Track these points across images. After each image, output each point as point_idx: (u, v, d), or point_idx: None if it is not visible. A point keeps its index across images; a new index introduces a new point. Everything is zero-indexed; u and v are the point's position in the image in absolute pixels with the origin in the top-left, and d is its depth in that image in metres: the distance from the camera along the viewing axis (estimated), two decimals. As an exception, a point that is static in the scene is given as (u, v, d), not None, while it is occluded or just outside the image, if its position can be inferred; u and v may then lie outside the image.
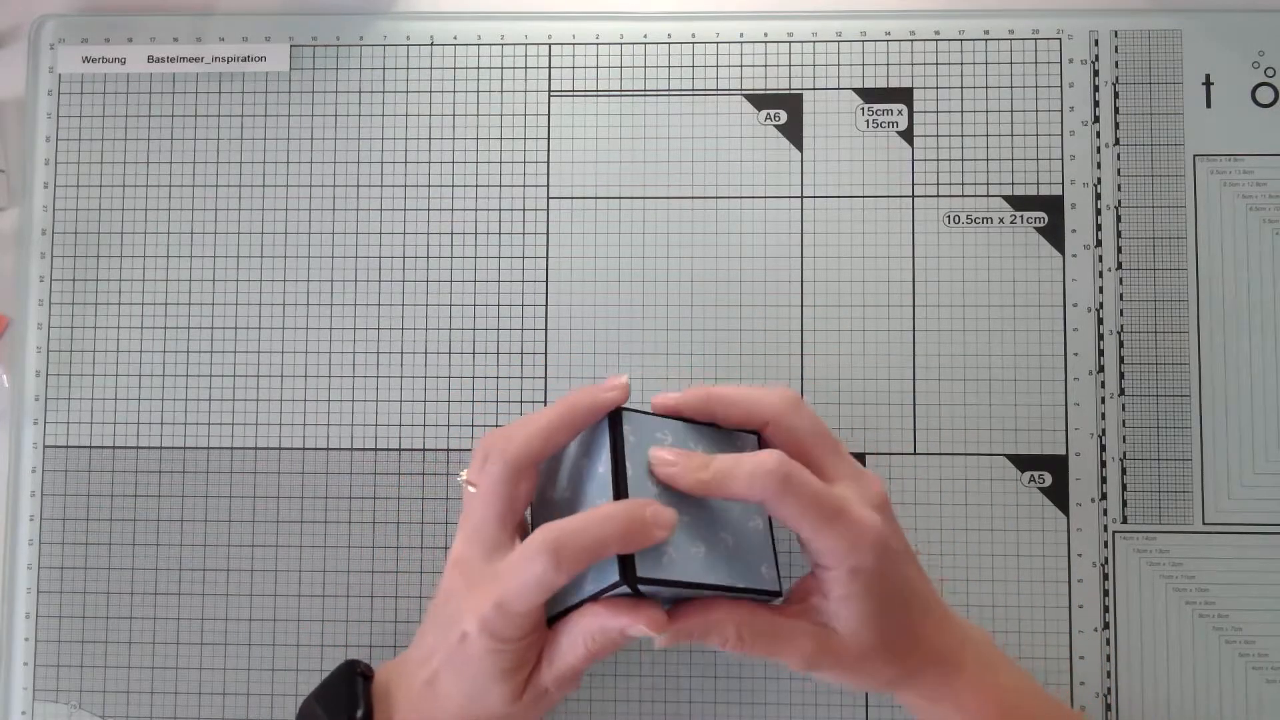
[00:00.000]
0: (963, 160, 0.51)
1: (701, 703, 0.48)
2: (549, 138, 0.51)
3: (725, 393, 0.42)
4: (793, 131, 0.51)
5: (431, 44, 0.52)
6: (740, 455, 0.39)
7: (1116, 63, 0.51)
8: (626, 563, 0.38)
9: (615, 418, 0.40)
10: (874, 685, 0.42)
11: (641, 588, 0.38)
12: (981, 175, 0.50)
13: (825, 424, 0.42)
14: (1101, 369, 0.49)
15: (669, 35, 0.51)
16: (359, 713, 0.41)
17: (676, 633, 0.39)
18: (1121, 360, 0.49)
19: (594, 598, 0.39)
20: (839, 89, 0.51)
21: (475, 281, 0.51)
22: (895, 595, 0.40)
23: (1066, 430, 0.49)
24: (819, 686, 0.48)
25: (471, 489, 0.41)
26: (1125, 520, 0.49)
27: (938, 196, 0.50)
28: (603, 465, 0.40)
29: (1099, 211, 0.50)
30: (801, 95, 0.51)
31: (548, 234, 0.51)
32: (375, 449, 0.50)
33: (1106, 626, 0.48)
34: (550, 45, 0.52)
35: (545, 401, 0.50)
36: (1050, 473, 0.49)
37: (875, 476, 0.42)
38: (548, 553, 0.37)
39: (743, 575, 0.40)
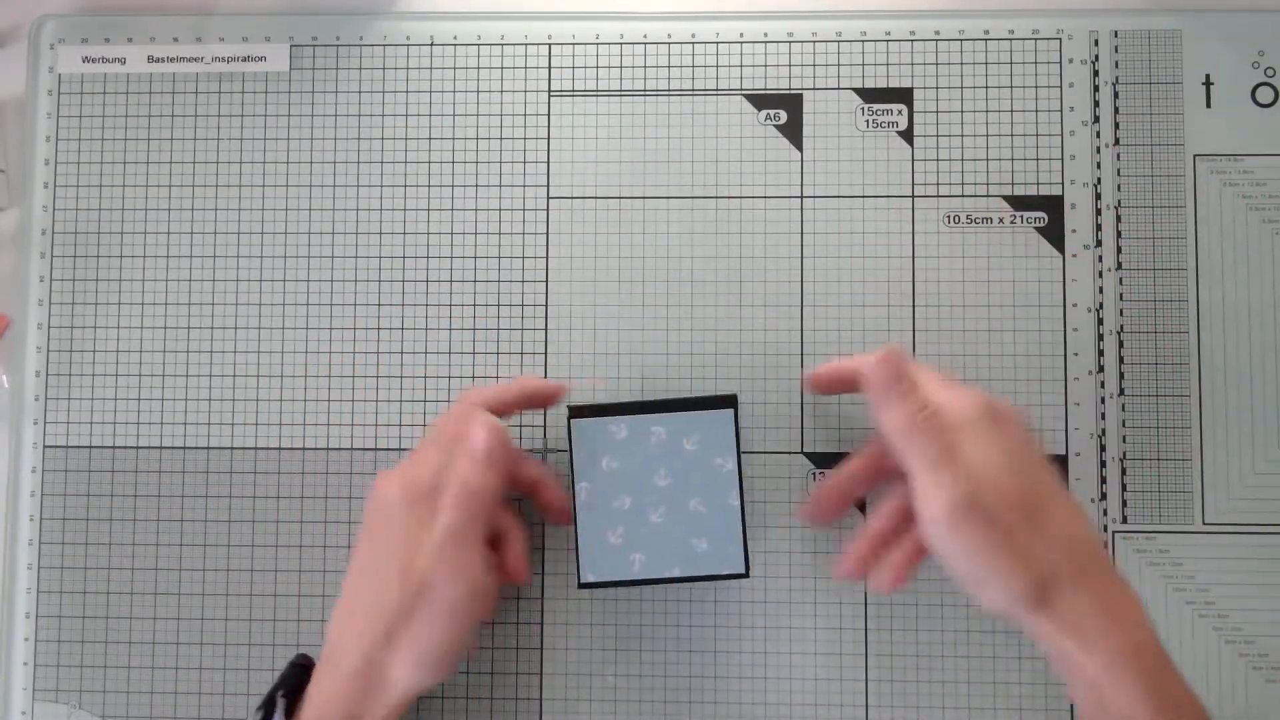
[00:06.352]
0: (963, 160, 0.51)
1: (701, 703, 0.48)
2: (549, 138, 0.51)
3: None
4: (793, 131, 0.51)
5: (431, 44, 0.52)
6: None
7: (1116, 63, 0.51)
8: (579, 571, 0.45)
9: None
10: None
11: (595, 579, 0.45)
12: (981, 175, 0.50)
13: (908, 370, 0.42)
14: (1101, 369, 0.49)
15: (669, 35, 0.51)
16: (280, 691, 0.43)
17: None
18: (1121, 360, 0.49)
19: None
20: (839, 89, 0.51)
21: (475, 281, 0.51)
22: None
23: (1066, 430, 0.49)
24: (818, 686, 0.48)
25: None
26: (1125, 520, 0.49)
27: (938, 196, 0.50)
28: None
29: (1099, 211, 0.50)
30: (801, 95, 0.51)
31: (548, 234, 0.51)
32: (375, 449, 0.50)
33: (1106, 626, 0.48)
34: (550, 45, 0.52)
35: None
36: (1050, 473, 0.49)
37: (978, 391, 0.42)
38: (477, 423, 0.42)
39: (700, 563, 0.44)
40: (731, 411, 0.45)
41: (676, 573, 0.44)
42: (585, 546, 0.44)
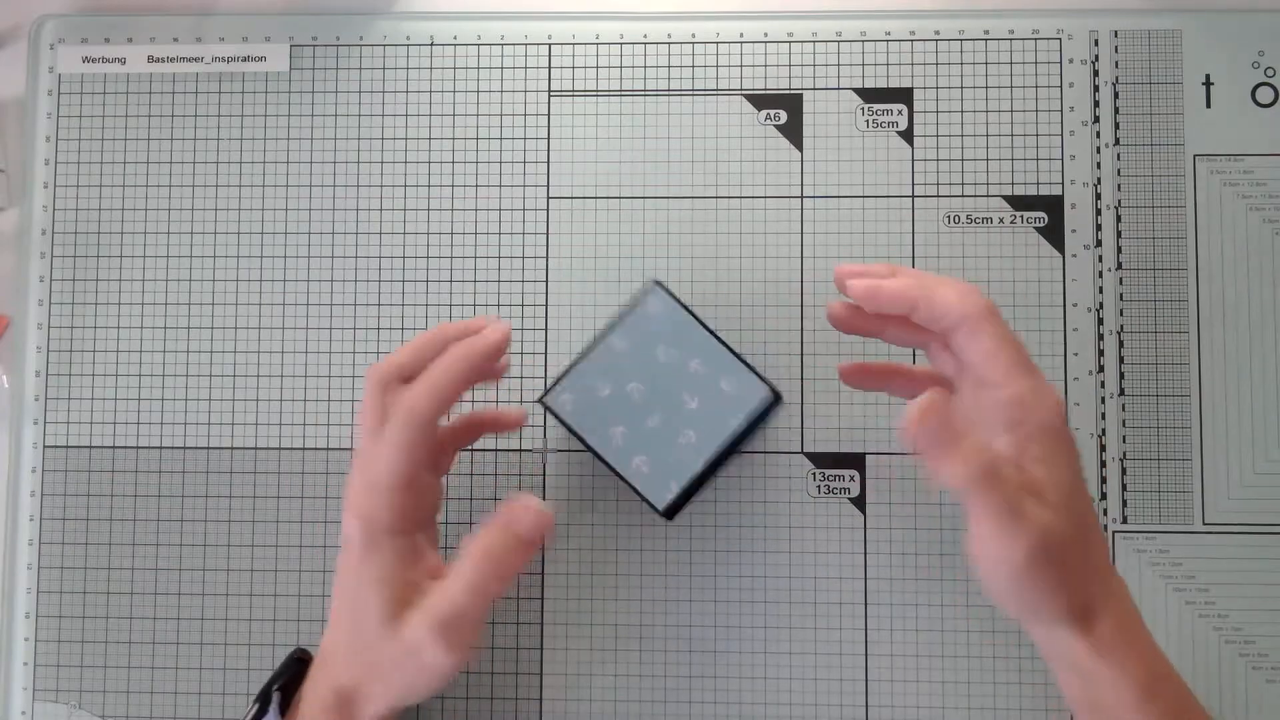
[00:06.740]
0: (963, 160, 0.51)
1: (701, 703, 0.48)
2: (549, 138, 0.51)
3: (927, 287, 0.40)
4: (793, 131, 0.51)
5: (431, 44, 0.52)
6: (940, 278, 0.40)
7: (1116, 63, 0.51)
8: (655, 507, 0.43)
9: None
10: (1055, 594, 0.38)
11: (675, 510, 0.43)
12: (981, 175, 0.50)
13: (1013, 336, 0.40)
14: (1101, 369, 0.49)
15: (669, 35, 0.51)
16: (277, 684, 0.43)
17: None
18: (1121, 360, 0.49)
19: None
20: (839, 89, 0.51)
21: (475, 281, 0.51)
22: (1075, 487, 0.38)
23: (1066, 430, 0.49)
24: (818, 686, 0.48)
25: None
26: (1125, 520, 0.49)
27: (938, 196, 0.50)
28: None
29: (1099, 211, 0.50)
30: (801, 95, 0.51)
31: (548, 234, 0.51)
32: (375, 449, 0.50)
33: (1106, 626, 0.48)
34: (550, 45, 0.52)
35: (545, 401, 0.50)
36: (1050, 473, 0.49)
37: (1054, 390, 0.39)
38: (403, 414, 0.39)
39: (734, 412, 0.43)
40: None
41: (724, 439, 0.43)
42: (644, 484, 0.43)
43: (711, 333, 0.43)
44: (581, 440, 0.44)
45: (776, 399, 0.43)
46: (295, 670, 0.43)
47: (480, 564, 0.39)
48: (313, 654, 0.44)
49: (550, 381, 0.45)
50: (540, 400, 0.44)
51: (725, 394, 0.43)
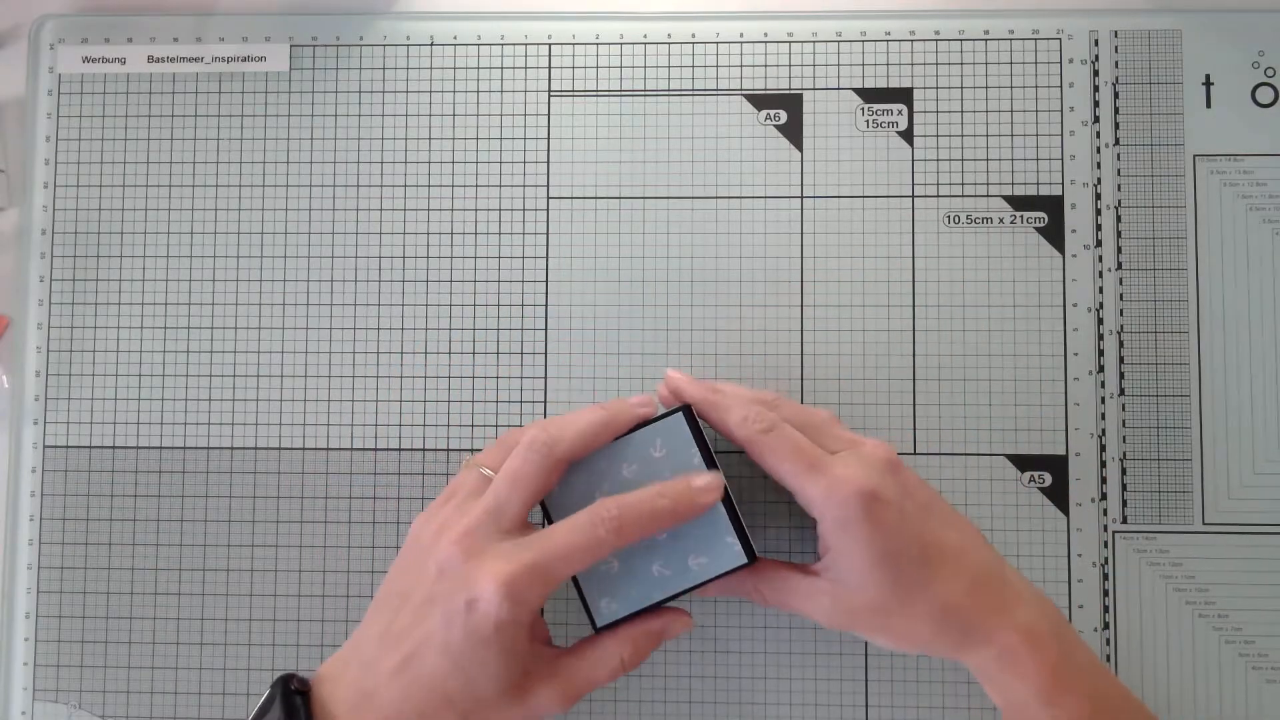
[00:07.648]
0: (963, 160, 0.51)
1: (701, 703, 0.48)
2: (549, 138, 0.51)
3: (721, 392, 0.44)
4: (793, 131, 0.51)
5: (431, 44, 0.52)
6: (744, 392, 0.44)
7: (1116, 63, 0.51)
8: (742, 566, 0.43)
9: (690, 419, 0.44)
10: (915, 647, 0.42)
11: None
12: (981, 175, 0.50)
13: (812, 411, 0.45)
14: (1101, 369, 0.49)
15: (669, 35, 0.51)
16: None
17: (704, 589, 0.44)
18: (1121, 360, 0.49)
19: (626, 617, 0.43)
20: (839, 89, 0.51)
21: (475, 281, 0.51)
22: (901, 551, 0.41)
23: (1066, 430, 0.49)
24: (818, 686, 0.48)
25: (486, 472, 0.42)
26: (1125, 520, 0.49)
27: (938, 196, 0.50)
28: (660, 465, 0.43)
29: (1099, 211, 0.50)
30: (801, 95, 0.51)
31: (548, 234, 0.51)
32: (375, 449, 0.50)
33: (1106, 626, 0.48)
34: (550, 45, 0.52)
35: (545, 401, 0.50)
36: (1050, 473, 0.49)
37: (878, 442, 0.43)
38: (612, 520, 0.40)
39: (684, 449, 0.43)
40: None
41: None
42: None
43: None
44: (655, 606, 0.43)
45: (683, 407, 0.43)
46: (306, 707, 0.40)
47: (630, 655, 0.42)
48: (306, 680, 0.41)
49: (580, 594, 0.43)
50: (598, 630, 0.43)
51: (664, 453, 0.43)
